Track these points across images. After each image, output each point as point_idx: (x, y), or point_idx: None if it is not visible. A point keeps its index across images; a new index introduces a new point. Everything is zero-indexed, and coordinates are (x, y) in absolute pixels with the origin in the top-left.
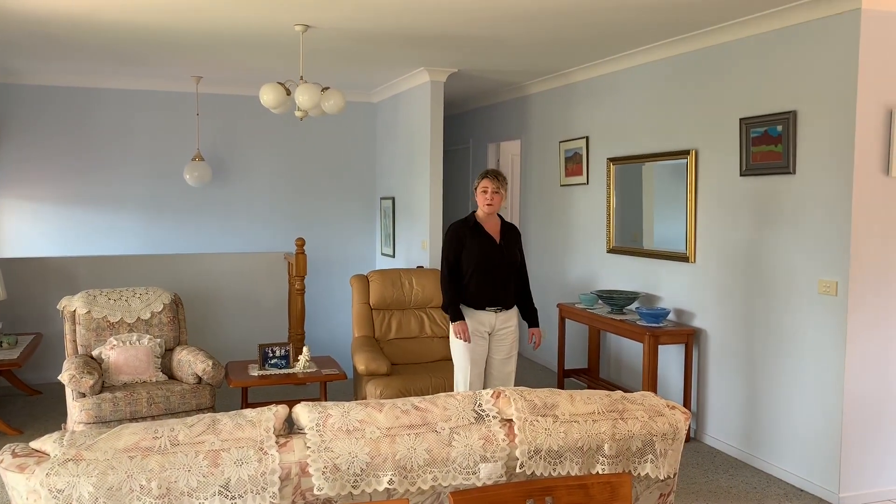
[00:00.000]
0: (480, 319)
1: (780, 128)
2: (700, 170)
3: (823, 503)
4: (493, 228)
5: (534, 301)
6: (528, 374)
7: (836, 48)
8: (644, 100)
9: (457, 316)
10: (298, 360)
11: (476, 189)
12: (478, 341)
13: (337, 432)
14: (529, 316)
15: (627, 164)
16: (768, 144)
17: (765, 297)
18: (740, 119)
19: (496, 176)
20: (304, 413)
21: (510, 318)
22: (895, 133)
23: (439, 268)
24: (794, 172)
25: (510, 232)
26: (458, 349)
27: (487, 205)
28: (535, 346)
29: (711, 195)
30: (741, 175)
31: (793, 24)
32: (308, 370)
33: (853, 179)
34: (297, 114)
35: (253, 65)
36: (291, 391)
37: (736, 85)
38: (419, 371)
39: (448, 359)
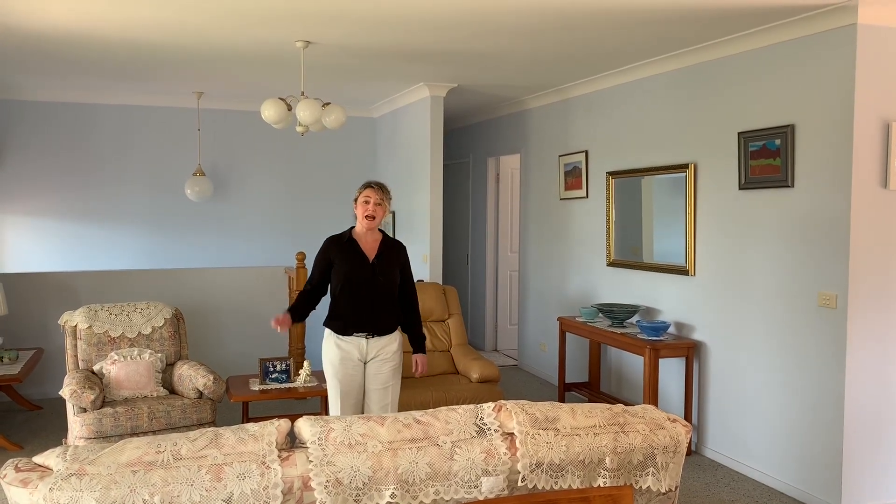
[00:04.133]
0: (349, 346)
1: (778, 141)
2: (699, 183)
3: None
4: (369, 246)
5: (422, 326)
6: (529, 388)
7: (833, 63)
8: (643, 114)
9: (288, 310)
10: (299, 375)
11: (356, 200)
12: (348, 370)
13: (339, 446)
14: (413, 341)
15: (627, 178)
16: (767, 158)
17: (764, 310)
18: (739, 133)
19: (380, 187)
20: (306, 427)
21: (388, 344)
22: (892, 146)
23: (440, 282)
24: (793, 186)
25: (390, 250)
26: (328, 378)
27: (367, 217)
28: (419, 373)
29: (710, 209)
30: (740, 189)
31: (790, 39)
32: (309, 384)
33: (851, 192)
34: (299, 129)
35: (254, 80)
36: (292, 405)
37: (734, 99)
38: (420, 385)
39: (449, 372)
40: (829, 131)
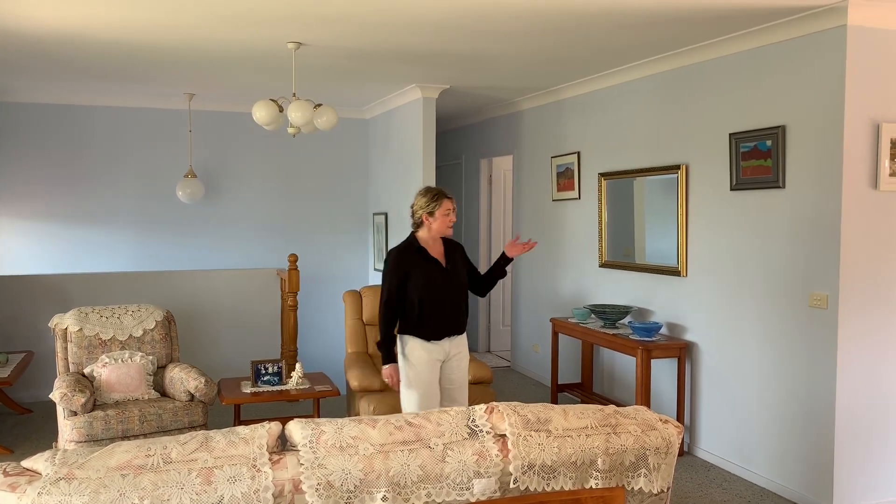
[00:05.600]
0: (437, 348)
1: (769, 142)
2: (690, 184)
3: None
4: (438, 252)
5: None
6: (522, 389)
7: (823, 64)
8: (634, 115)
9: (388, 358)
10: (291, 377)
11: (435, 212)
12: (434, 374)
13: (330, 449)
14: (497, 266)
15: (619, 179)
16: (758, 159)
17: (756, 311)
18: (730, 134)
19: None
20: (297, 430)
21: (462, 343)
22: (883, 147)
23: None
24: (784, 186)
25: (454, 252)
26: (410, 385)
27: (450, 227)
28: (524, 245)
29: (702, 210)
30: (731, 189)
31: (781, 41)
32: (301, 387)
33: (842, 193)
34: (290, 130)
35: (246, 82)
36: (284, 408)
37: (725, 100)
38: None
39: None
40: (819, 132)
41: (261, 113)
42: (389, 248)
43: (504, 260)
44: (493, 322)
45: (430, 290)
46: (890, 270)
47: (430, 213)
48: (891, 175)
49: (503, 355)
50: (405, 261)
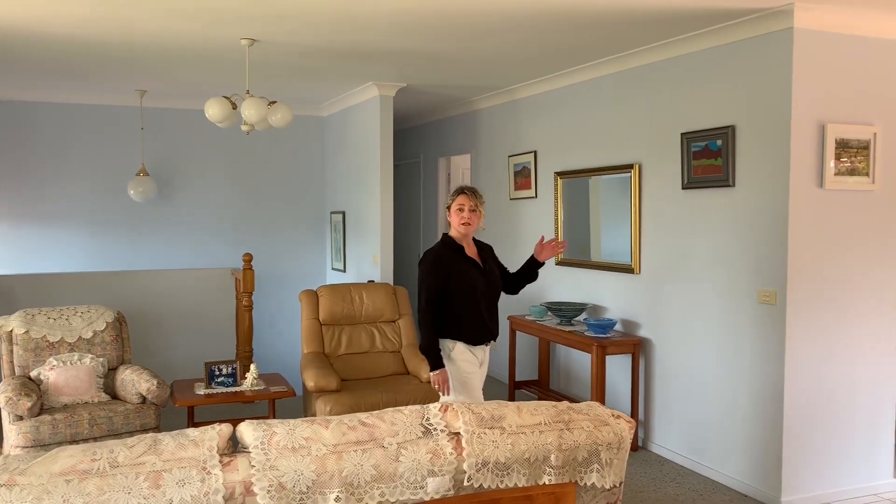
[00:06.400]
0: (480, 353)
1: (719, 142)
2: (644, 183)
3: None
4: (473, 252)
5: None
6: None
7: (771, 65)
8: (589, 115)
9: (437, 364)
10: (246, 378)
11: (450, 208)
12: (475, 379)
13: (282, 450)
14: (526, 269)
15: (574, 178)
16: (708, 158)
17: (707, 307)
18: (682, 134)
19: (473, 192)
20: (248, 431)
21: (487, 351)
22: (828, 147)
23: (391, 282)
24: (734, 185)
25: (487, 253)
26: (457, 391)
27: (463, 224)
28: (554, 247)
29: (655, 208)
30: (683, 188)
31: (730, 42)
32: (256, 388)
33: (789, 192)
34: (244, 128)
35: (199, 79)
36: (239, 410)
37: (677, 100)
38: (370, 387)
39: (399, 373)
40: (768, 132)
41: (213, 110)
42: (348, 246)
43: (534, 264)
44: None
45: (472, 292)
46: (835, 267)
47: (449, 209)
48: (836, 174)
49: None
50: (446, 261)
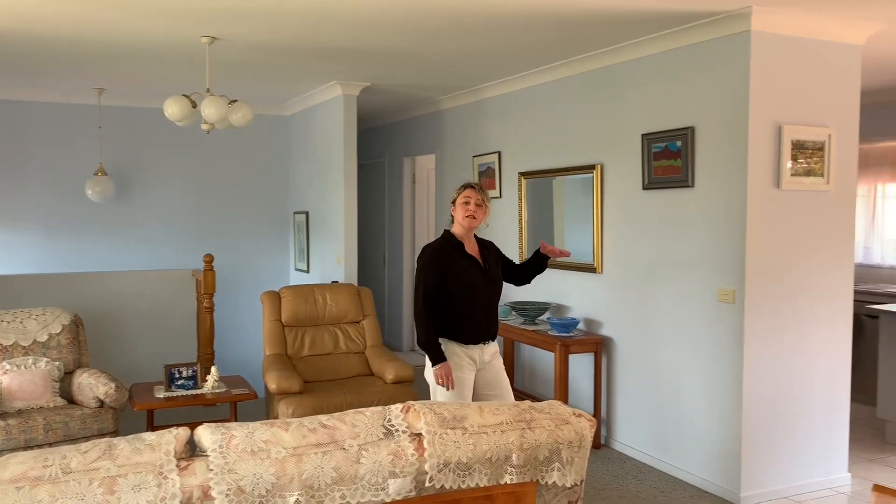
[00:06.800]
0: (473, 352)
1: (679, 143)
2: (606, 184)
3: (726, 503)
4: (473, 250)
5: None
6: None
7: (729, 68)
8: (553, 116)
9: (439, 357)
10: (207, 381)
11: (455, 202)
12: (468, 379)
13: (241, 453)
14: (535, 258)
15: (538, 179)
16: (668, 159)
17: (668, 306)
18: (642, 135)
19: (480, 188)
20: (206, 435)
21: (494, 347)
22: (784, 148)
23: (355, 283)
24: (693, 186)
25: (489, 251)
26: (441, 394)
27: (468, 216)
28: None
29: (616, 208)
30: (644, 189)
31: (690, 45)
32: (217, 390)
33: (747, 192)
34: (204, 127)
35: (158, 76)
36: (201, 413)
37: (638, 102)
38: (334, 388)
39: (364, 374)
40: (726, 133)
41: (173, 108)
42: (312, 246)
43: (540, 256)
44: None
45: (468, 290)
46: (792, 266)
47: (454, 203)
48: (792, 175)
49: None
50: (444, 257)
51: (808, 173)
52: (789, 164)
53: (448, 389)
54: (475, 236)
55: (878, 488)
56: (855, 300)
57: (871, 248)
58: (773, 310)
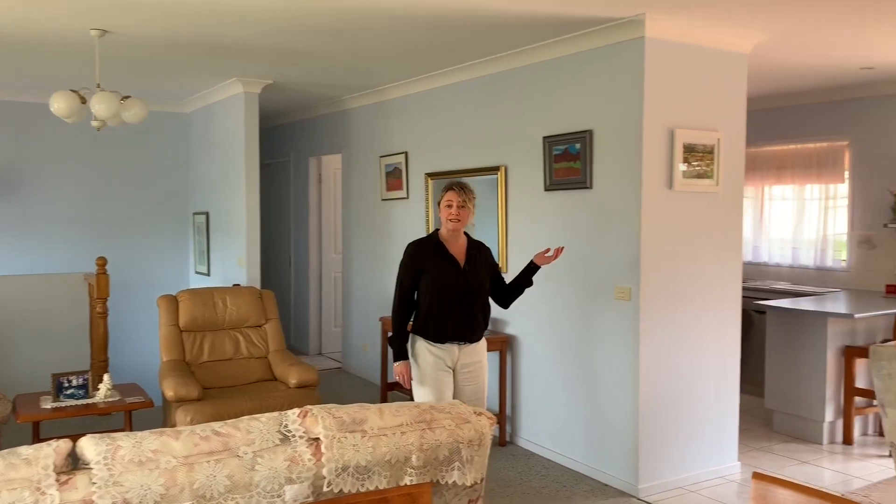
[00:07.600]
0: (442, 352)
1: (578, 146)
2: (510, 185)
3: (625, 496)
4: (458, 250)
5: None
6: (351, 390)
7: (624, 73)
8: (458, 117)
9: (399, 355)
10: (99, 389)
11: (439, 203)
12: (441, 376)
13: (128, 464)
14: (523, 274)
15: (444, 179)
16: (569, 161)
17: (570, 304)
18: (544, 137)
19: (462, 188)
20: (89, 446)
21: (477, 353)
22: (676, 151)
23: (258, 286)
24: (592, 187)
25: (477, 252)
26: (419, 385)
27: (451, 219)
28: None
29: (520, 209)
30: (545, 190)
31: (588, 49)
32: (110, 399)
33: (642, 193)
34: (94, 124)
35: (46, 71)
36: (94, 423)
37: (540, 105)
38: (235, 394)
39: (266, 379)
40: (622, 137)
41: (59, 104)
42: (212, 248)
43: (532, 268)
44: (324, 324)
45: (440, 289)
46: (684, 263)
47: (439, 205)
48: (684, 177)
49: (335, 357)
50: (421, 255)
51: (699, 175)
52: (682, 166)
53: (406, 386)
54: (469, 237)
55: (758, 475)
56: (744, 296)
57: (759, 247)
58: (667, 305)
